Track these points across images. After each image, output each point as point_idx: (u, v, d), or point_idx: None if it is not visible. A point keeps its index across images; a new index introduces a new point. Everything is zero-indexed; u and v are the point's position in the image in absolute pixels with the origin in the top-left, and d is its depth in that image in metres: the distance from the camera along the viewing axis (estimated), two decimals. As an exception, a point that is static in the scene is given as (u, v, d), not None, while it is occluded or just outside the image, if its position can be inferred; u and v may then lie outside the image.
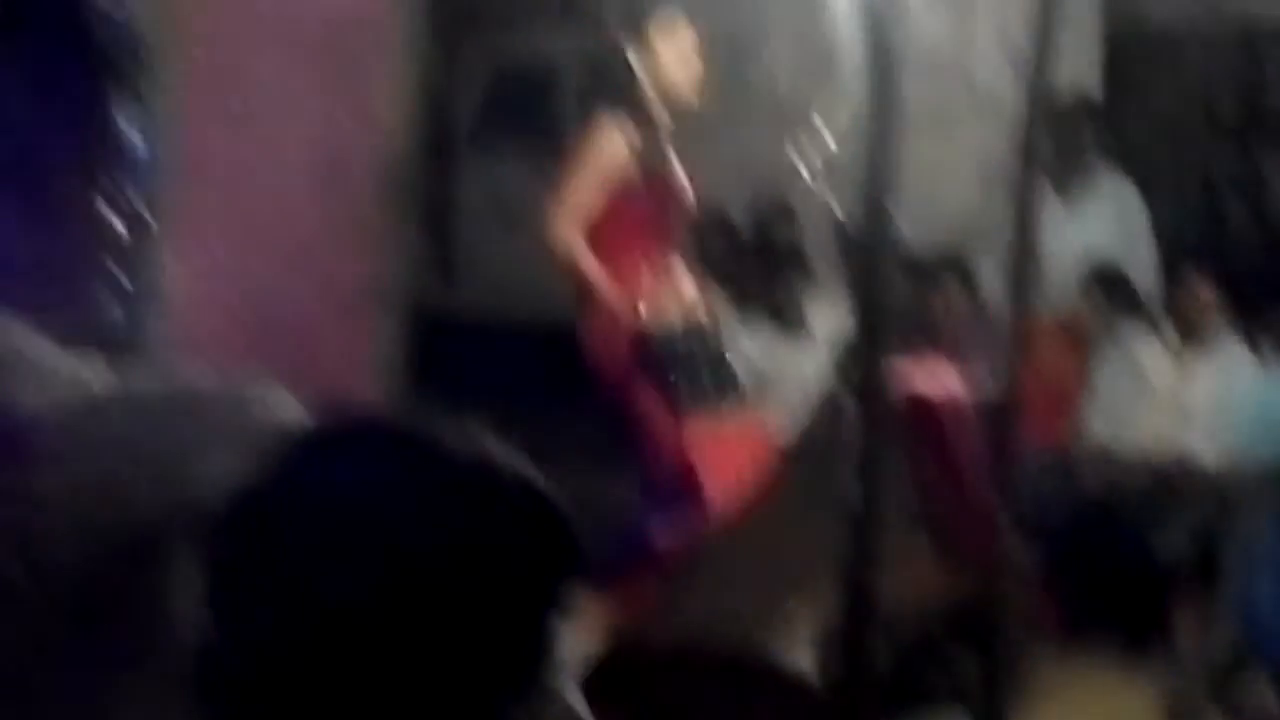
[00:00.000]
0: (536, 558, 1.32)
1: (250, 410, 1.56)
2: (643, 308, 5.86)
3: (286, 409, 1.59)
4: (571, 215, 5.83)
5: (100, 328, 1.63)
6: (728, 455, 5.82)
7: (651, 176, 5.81)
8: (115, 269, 1.65)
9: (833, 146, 3.97)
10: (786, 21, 8.51)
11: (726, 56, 8.57)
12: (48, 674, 1.48)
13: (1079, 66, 7.89)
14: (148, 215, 1.65)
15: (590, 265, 5.85)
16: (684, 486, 5.72)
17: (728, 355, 6.17)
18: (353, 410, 1.39)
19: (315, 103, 7.60)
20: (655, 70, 5.74)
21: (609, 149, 5.74)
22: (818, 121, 4.08)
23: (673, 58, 5.72)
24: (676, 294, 5.93)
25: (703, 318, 6.02)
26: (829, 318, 7.21)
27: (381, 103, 8.14)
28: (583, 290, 5.92)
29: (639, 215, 5.85)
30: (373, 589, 1.25)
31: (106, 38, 1.63)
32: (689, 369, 5.93)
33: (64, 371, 1.53)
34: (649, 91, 5.75)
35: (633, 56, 5.72)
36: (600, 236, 5.90)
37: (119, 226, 1.63)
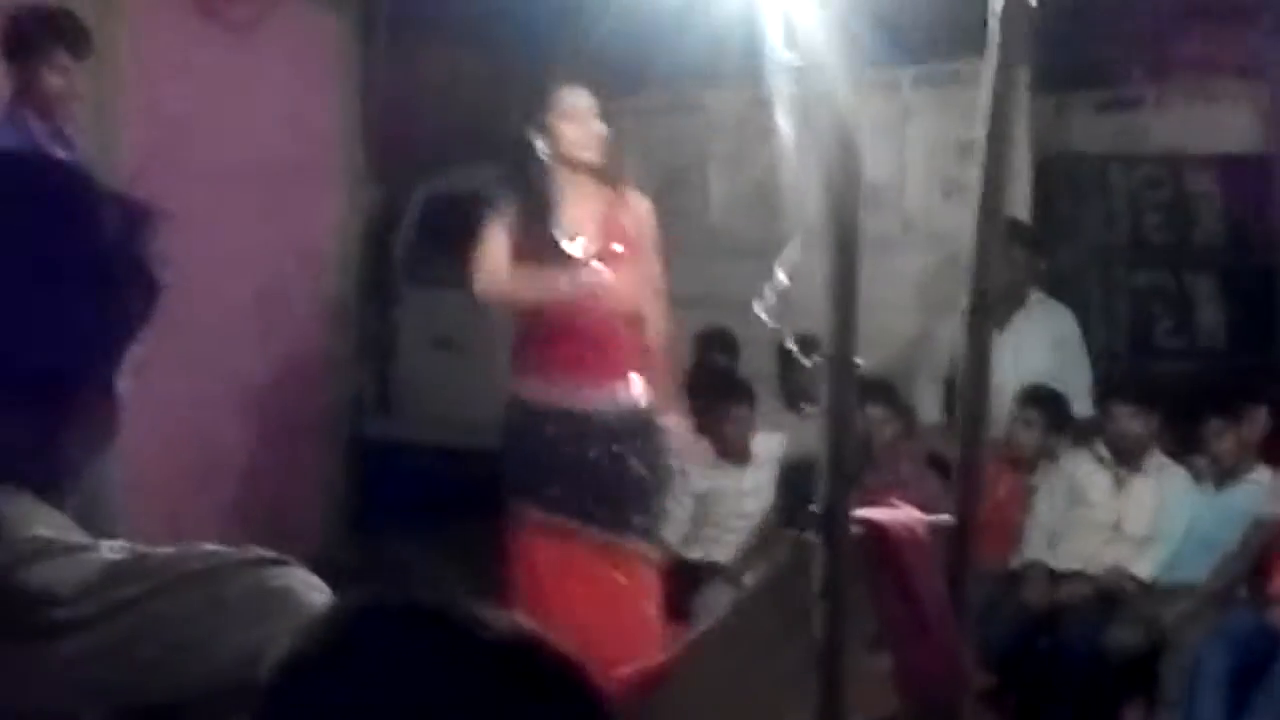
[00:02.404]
0: None
1: (269, 583, 1.60)
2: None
3: (303, 583, 1.63)
4: (490, 269, 5.74)
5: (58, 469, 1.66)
6: (586, 593, 5.63)
7: (545, 256, 5.69)
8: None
9: (783, 278, 4.05)
10: (723, 154, 8.66)
11: (666, 188, 8.72)
12: None
13: (1010, 193, 8.05)
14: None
15: (525, 285, 5.73)
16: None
17: (652, 481, 5.87)
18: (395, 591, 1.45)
19: (255, 239, 7.69)
20: (558, 143, 5.70)
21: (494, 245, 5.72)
22: (767, 253, 4.16)
23: (571, 127, 5.69)
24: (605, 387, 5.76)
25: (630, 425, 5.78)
26: (771, 447, 7.30)
27: (322, 241, 8.24)
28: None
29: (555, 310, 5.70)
30: None
31: None
32: (581, 474, 5.71)
33: (82, 546, 1.57)
34: (555, 163, 5.70)
35: (537, 138, 5.69)
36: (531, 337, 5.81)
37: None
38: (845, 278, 3.45)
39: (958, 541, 3.89)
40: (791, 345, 3.83)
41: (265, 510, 7.55)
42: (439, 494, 7.90)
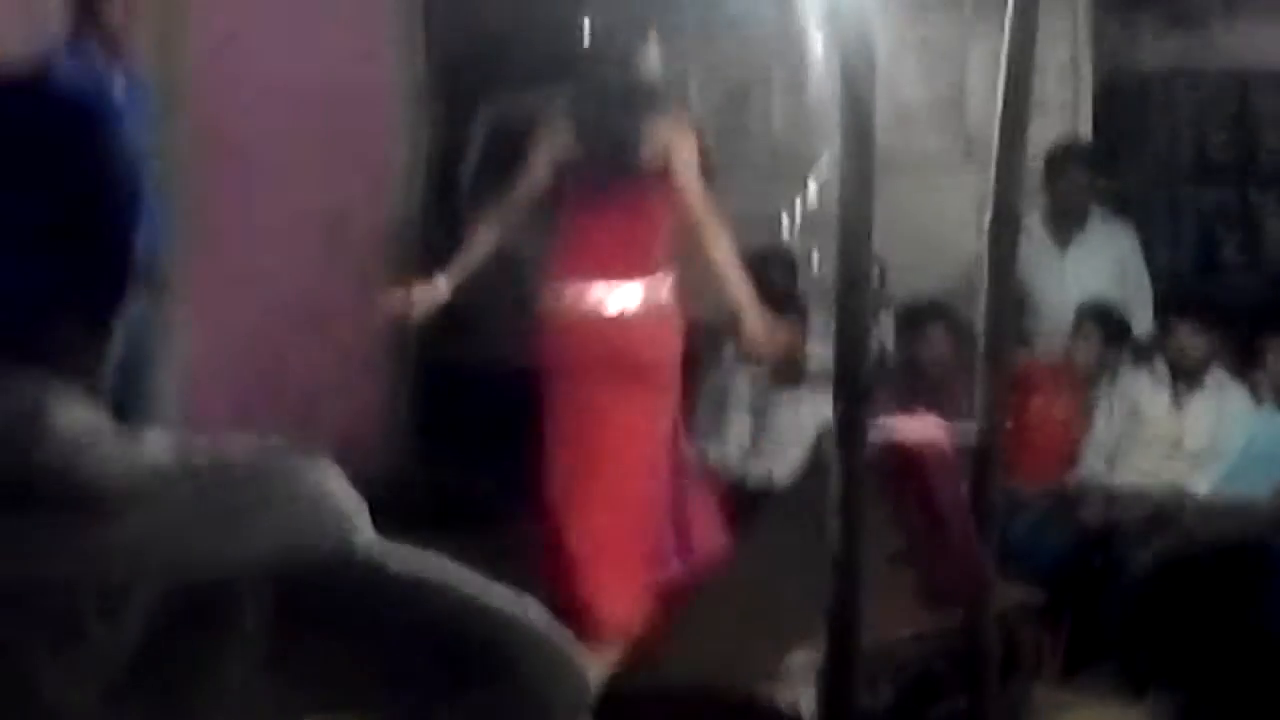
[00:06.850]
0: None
1: (300, 477, 1.66)
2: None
3: (332, 477, 1.68)
4: (499, 208, 6.19)
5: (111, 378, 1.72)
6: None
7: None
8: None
9: (814, 196, 4.08)
10: (784, 72, 8.63)
11: (727, 105, 8.71)
12: None
13: (1072, 111, 8.00)
14: (161, 273, 1.78)
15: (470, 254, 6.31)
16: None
17: None
18: None
19: (318, 159, 7.75)
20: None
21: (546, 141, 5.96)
22: (809, 173, 4.18)
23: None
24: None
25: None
26: (829, 365, 7.26)
27: (386, 161, 8.28)
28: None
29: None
30: None
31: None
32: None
33: (128, 435, 1.64)
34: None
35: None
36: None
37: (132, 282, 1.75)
38: (859, 192, 3.45)
39: (984, 453, 3.90)
40: (814, 259, 3.83)
41: (329, 433, 7.63)
42: (508, 416, 7.93)
